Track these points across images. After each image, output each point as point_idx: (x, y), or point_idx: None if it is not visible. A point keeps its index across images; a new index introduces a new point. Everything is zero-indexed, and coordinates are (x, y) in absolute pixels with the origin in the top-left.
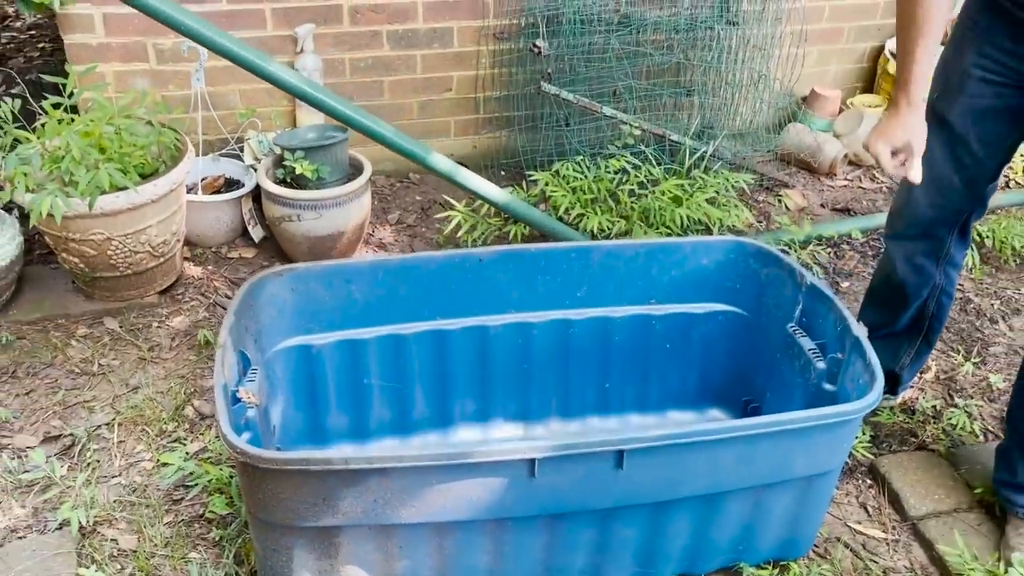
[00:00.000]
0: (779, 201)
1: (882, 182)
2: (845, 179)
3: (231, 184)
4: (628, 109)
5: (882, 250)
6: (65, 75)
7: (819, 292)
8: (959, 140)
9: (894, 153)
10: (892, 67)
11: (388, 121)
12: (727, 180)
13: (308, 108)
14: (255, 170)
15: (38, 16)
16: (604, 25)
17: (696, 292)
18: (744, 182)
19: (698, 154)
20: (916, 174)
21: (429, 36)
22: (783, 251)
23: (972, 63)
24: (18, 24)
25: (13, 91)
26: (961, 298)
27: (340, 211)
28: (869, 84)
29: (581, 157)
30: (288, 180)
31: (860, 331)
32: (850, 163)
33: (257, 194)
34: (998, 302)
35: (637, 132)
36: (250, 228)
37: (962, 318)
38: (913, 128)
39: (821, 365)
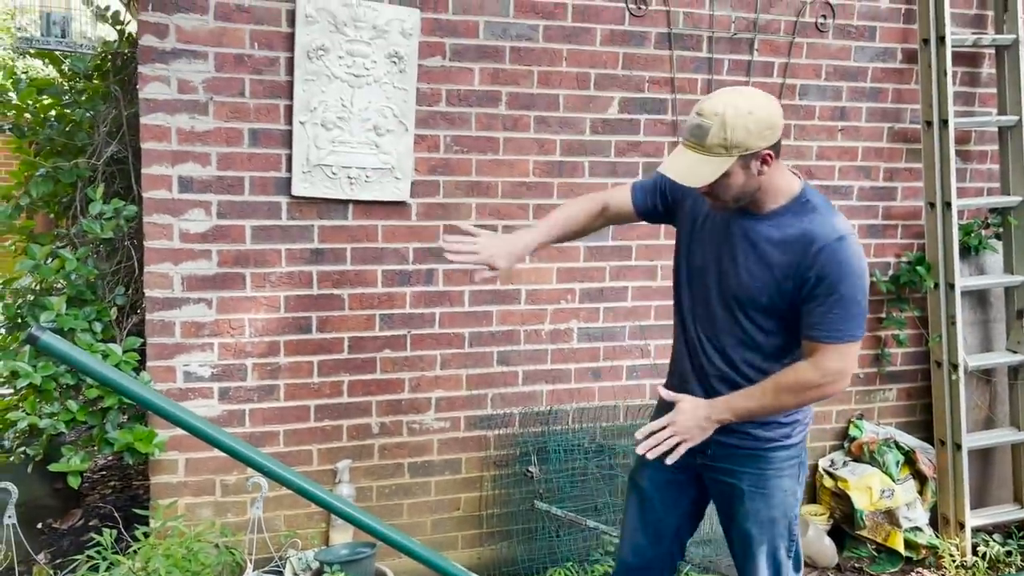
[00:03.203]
0: None
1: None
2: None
3: None
4: (608, 521)
5: None
6: (140, 506)
7: None
8: None
9: None
10: (828, 482)
11: None
12: None
13: (339, 528)
14: None
15: (109, 458)
16: (583, 453)
17: None
18: None
19: None
20: None
21: (442, 466)
22: None
23: None
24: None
25: (91, 523)
26: None
27: None
28: (812, 495)
29: (571, 563)
30: None
31: None
32: (805, 564)
33: None
34: None
35: (617, 540)
36: None
37: None
38: None
39: None
